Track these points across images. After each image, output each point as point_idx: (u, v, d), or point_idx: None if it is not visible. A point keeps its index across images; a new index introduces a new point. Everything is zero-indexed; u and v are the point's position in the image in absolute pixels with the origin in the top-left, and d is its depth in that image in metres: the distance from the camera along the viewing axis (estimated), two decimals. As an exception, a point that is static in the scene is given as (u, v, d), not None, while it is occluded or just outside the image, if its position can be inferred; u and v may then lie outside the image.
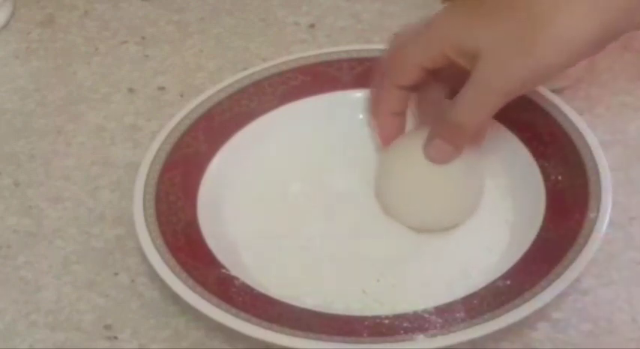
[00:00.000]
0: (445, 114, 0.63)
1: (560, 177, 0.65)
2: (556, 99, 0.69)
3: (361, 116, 0.72)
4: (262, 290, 0.62)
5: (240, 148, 0.71)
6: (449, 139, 0.64)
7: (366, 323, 0.59)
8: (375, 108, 0.68)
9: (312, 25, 0.84)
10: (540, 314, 0.61)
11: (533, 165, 0.67)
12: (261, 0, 0.87)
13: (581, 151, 0.66)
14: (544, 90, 0.69)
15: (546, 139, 0.68)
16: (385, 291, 0.63)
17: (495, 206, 0.67)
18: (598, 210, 0.62)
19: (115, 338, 0.62)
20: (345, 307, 0.62)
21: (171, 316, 0.63)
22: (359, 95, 0.73)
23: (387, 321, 0.59)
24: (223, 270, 0.62)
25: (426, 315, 0.59)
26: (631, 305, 0.62)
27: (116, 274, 0.65)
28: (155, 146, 0.69)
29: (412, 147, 0.66)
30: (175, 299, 0.63)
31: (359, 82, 0.73)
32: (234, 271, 0.62)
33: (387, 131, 0.68)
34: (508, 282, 0.60)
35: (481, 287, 0.61)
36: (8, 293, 0.65)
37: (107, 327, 0.62)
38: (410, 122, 0.69)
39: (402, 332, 0.58)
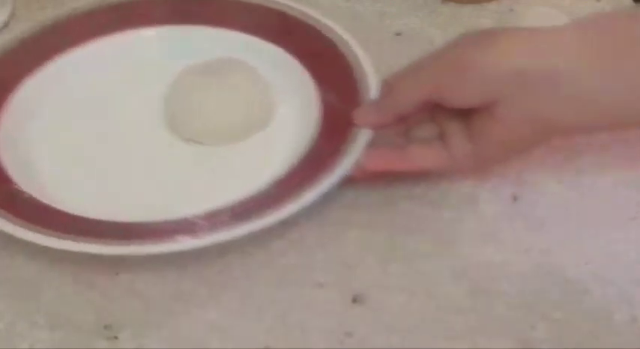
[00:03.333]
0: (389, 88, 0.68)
1: (336, 100, 0.72)
2: (340, 30, 0.76)
3: (156, 54, 0.78)
4: (57, 206, 0.66)
5: (46, 80, 0.76)
6: (379, 104, 0.68)
7: (140, 228, 0.65)
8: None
9: (312, 25, 0.84)
10: (540, 314, 0.61)
11: (314, 90, 0.73)
12: (261, 0, 0.87)
13: (358, 79, 0.72)
14: (335, 26, 0.76)
15: (328, 66, 0.74)
16: (169, 203, 0.68)
17: (279, 127, 0.74)
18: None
19: (115, 338, 0.62)
20: (129, 219, 0.66)
21: (171, 316, 0.63)
22: (151, 34, 0.79)
23: (161, 226, 0.65)
24: (15, 186, 0.67)
25: (196, 220, 0.65)
26: (631, 305, 0.62)
27: (116, 274, 0.65)
28: None
29: (201, 70, 0.73)
30: (175, 298, 0.63)
31: (153, 21, 0.79)
32: (27, 189, 0.67)
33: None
34: (275, 190, 0.67)
35: (250, 195, 0.66)
36: (8, 293, 0.65)
37: (107, 327, 0.62)
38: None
39: (171, 234, 0.63)
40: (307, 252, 0.66)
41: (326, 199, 0.68)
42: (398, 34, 0.82)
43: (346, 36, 0.75)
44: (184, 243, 0.63)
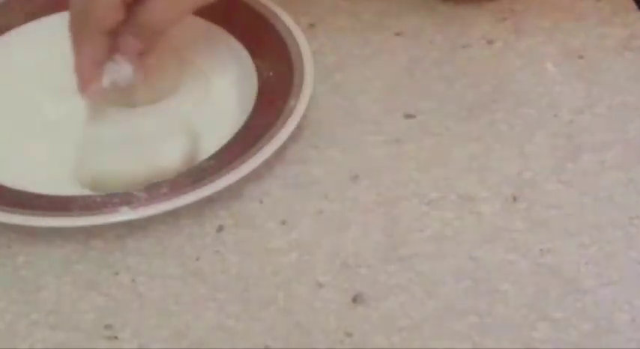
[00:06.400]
0: (138, 14, 0.68)
1: (271, 74, 0.75)
2: (276, 8, 0.78)
3: None
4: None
5: None
6: (140, 36, 0.69)
7: (80, 201, 0.67)
8: (78, 56, 0.71)
9: (312, 25, 0.83)
10: (540, 314, 0.61)
11: (250, 64, 0.76)
12: (261, 0, 0.87)
13: (292, 54, 0.75)
14: (268, 2, 0.79)
15: (264, 42, 0.77)
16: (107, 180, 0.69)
17: (218, 101, 0.76)
18: (297, 99, 0.71)
19: (115, 338, 0.62)
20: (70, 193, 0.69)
21: (171, 316, 0.63)
22: None
23: (99, 199, 0.67)
24: None
25: (135, 193, 0.67)
26: (631, 305, 0.62)
27: (116, 274, 0.65)
28: None
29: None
30: (175, 298, 0.63)
31: None
32: None
33: (90, 80, 0.72)
34: (212, 162, 0.69)
35: (188, 168, 0.69)
36: (8, 293, 0.65)
37: (107, 327, 0.62)
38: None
39: (109, 206, 0.66)
40: (307, 251, 0.66)
41: (326, 199, 0.68)
42: (398, 34, 0.82)
43: (278, 10, 0.79)
44: (123, 214, 0.66)
